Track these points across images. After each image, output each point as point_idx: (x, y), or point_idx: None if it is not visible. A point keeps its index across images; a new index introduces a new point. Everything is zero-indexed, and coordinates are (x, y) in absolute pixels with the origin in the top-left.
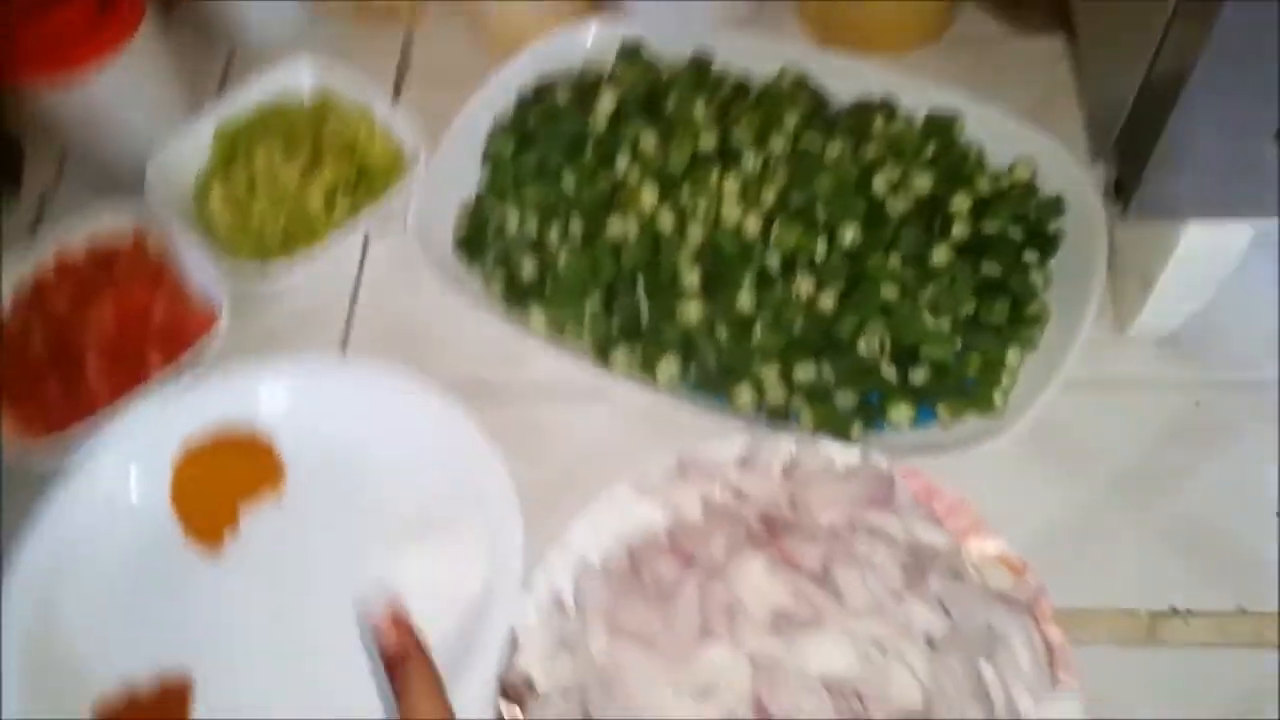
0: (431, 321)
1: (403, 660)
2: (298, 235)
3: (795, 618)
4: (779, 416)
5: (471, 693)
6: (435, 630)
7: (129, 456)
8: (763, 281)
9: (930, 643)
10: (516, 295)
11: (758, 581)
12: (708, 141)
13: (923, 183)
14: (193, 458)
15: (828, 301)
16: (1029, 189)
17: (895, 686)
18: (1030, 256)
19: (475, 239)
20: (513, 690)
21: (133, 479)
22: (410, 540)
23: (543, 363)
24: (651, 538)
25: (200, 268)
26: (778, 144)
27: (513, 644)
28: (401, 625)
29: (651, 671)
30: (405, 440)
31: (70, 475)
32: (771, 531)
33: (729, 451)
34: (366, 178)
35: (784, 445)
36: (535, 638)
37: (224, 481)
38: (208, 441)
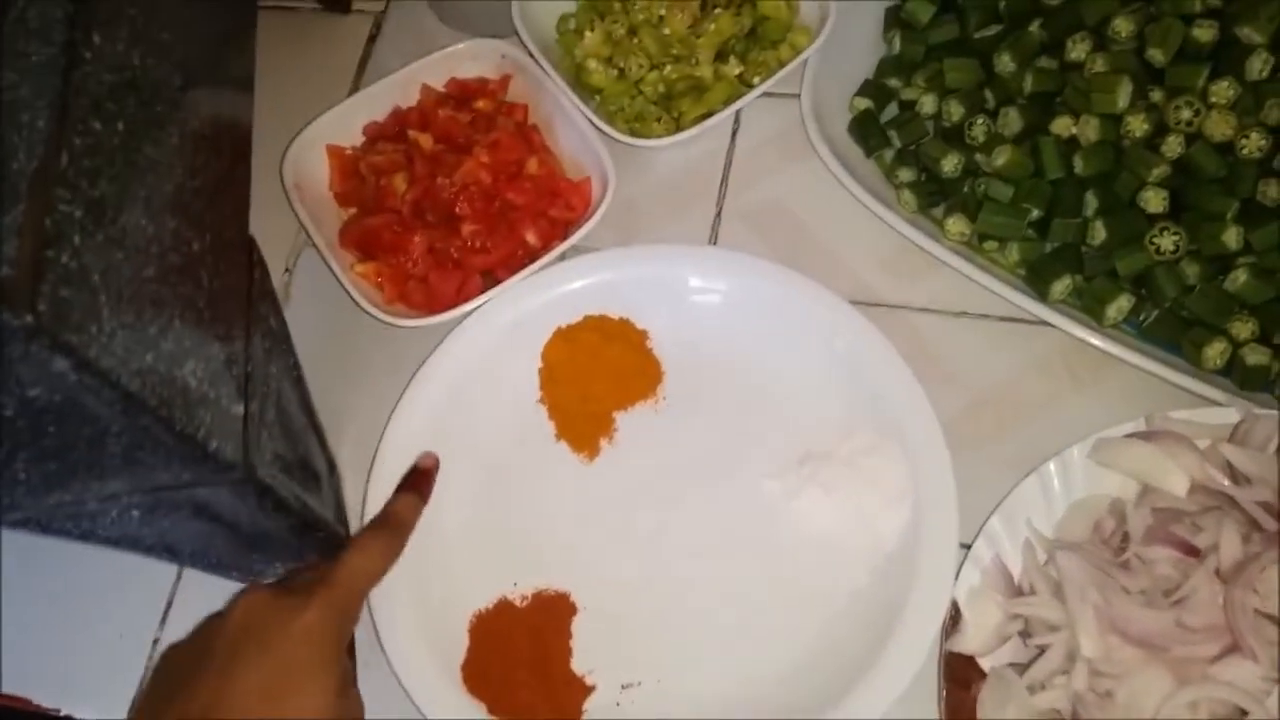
0: (813, 212)
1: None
2: (680, 94)
3: None
4: (1253, 382)
5: (905, 669)
6: (846, 581)
7: (498, 347)
8: (1251, 215)
9: None
10: (929, 195)
11: None
12: (1204, 32)
13: None
14: (564, 350)
15: None
16: None
17: None
18: None
19: (875, 122)
20: (958, 671)
21: (502, 372)
22: (810, 471)
23: (947, 278)
24: (1130, 517)
25: (574, 127)
26: None
27: (953, 617)
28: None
29: (1161, 685)
30: (804, 352)
31: (436, 365)
32: None
33: (1214, 420)
34: (761, 34)
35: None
36: (982, 614)
37: (597, 377)
38: (580, 332)
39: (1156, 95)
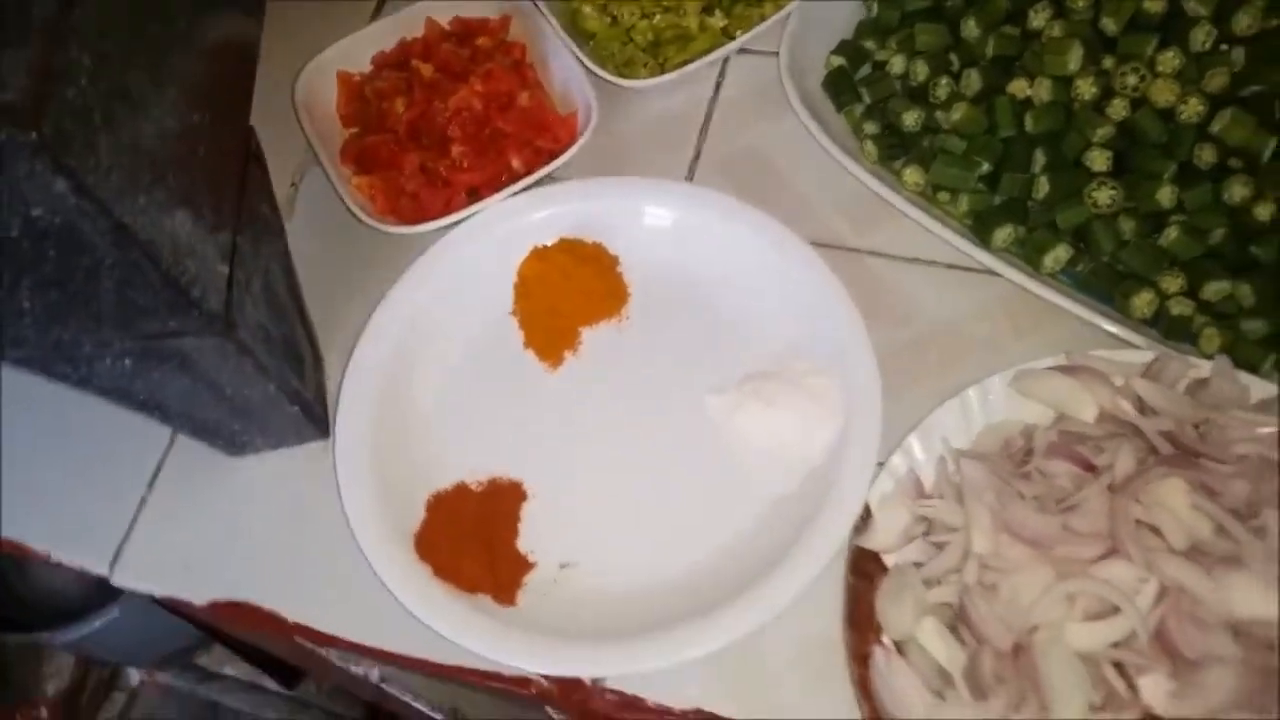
0: (785, 161)
1: None
2: (668, 42)
3: (1213, 551)
4: (1177, 333)
5: (814, 561)
6: (773, 488)
7: (477, 258)
8: (1186, 177)
9: None
10: (890, 147)
11: (1175, 505)
12: (1155, 4)
13: None
14: (538, 268)
15: (1263, 213)
16: None
17: None
18: None
19: (849, 78)
20: (863, 565)
21: (479, 282)
22: (754, 387)
23: (904, 226)
24: (1037, 436)
25: (566, 66)
26: (1242, 21)
27: (864, 518)
28: None
29: (1043, 580)
30: (759, 283)
31: (420, 268)
32: (1183, 454)
33: (1132, 359)
34: None
35: (1194, 364)
36: (891, 516)
37: (567, 295)
38: (554, 253)
39: (1108, 62)
